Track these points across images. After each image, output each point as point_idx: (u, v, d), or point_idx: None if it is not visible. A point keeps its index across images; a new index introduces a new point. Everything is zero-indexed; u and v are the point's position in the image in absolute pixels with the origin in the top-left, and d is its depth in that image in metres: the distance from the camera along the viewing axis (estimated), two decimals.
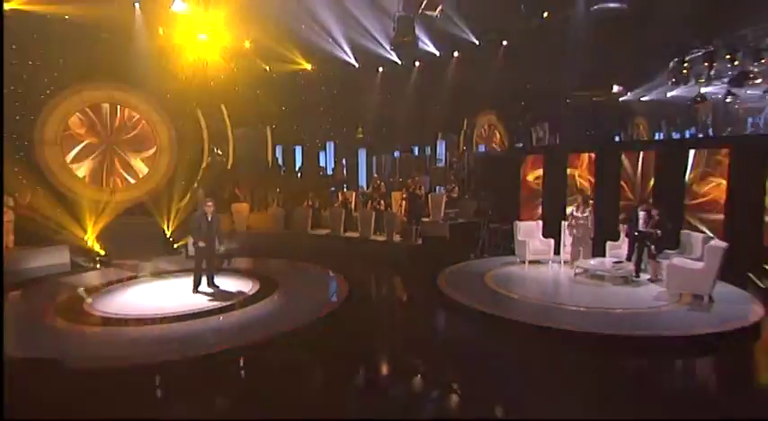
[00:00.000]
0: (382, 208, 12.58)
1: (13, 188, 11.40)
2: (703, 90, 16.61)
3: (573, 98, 19.74)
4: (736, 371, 5.37)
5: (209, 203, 7.87)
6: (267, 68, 16.47)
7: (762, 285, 7.65)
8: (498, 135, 22.77)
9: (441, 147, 14.59)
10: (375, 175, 15.20)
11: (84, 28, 12.33)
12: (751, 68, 13.92)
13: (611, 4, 12.45)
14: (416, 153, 18.98)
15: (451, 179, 13.67)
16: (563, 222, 9.68)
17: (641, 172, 11.13)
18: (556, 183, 12.09)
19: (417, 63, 16.53)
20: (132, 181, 14.12)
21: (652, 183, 10.87)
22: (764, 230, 9.30)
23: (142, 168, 14.31)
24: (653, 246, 8.02)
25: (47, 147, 12.68)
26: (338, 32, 15.03)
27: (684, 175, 10.40)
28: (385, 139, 18.68)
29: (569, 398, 4.38)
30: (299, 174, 16.44)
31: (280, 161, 17.00)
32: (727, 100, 15.34)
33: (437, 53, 15.93)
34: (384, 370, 5.40)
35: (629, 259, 8.35)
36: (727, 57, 13.56)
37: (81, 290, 7.85)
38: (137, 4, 12.55)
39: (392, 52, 15.27)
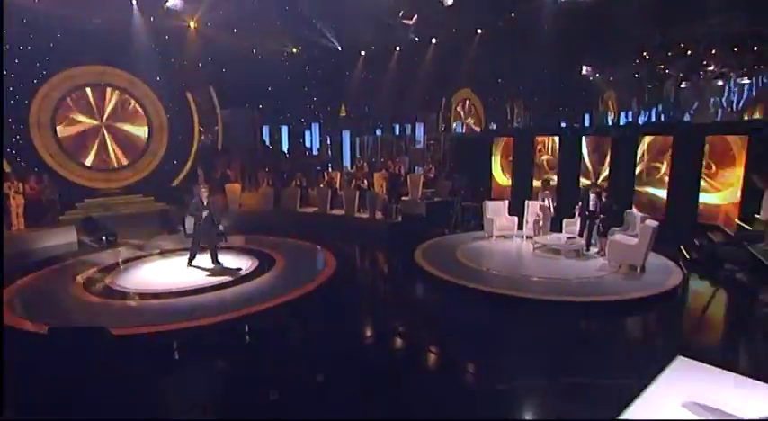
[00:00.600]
0: (365, 187, 13.61)
1: (17, 172, 12.04)
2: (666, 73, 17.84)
3: (544, 76, 20.72)
4: (653, 325, 6.72)
5: (204, 189, 8.74)
6: (254, 51, 17.05)
7: (689, 257, 8.96)
8: (474, 110, 23.77)
9: (419, 130, 15.53)
10: (358, 156, 16.12)
11: (76, 11, 12.58)
12: (704, 59, 15.13)
13: None
14: (397, 132, 19.94)
15: (428, 160, 14.70)
16: (527, 202, 10.87)
17: (598, 155, 12.37)
18: (522, 165, 13.27)
19: (398, 48, 17.27)
20: (126, 161, 14.80)
21: (607, 165, 12.13)
22: (698, 209, 10.69)
23: (135, 149, 14.94)
24: (600, 224, 9.28)
25: (41, 131, 13.16)
26: (323, 17, 15.59)
27: (635, 159, 11.66)
28: (367, 118, 19.53)
29: (531, 355, 5.44)
30: (286, 155, 17.26)
31: (267, 141, 17.78)
32: (682, 86, 16.53)
33: (416, 38, 16.68)
34: (369, 332, 6.58)
35: (580, 235, 9.62)
36: (681, 46, 14.64)
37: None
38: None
39: (375, 37, 15.97)
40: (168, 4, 10.59)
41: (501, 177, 14.10)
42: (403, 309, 7.34)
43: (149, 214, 13.62)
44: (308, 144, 18.11)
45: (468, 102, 23.69)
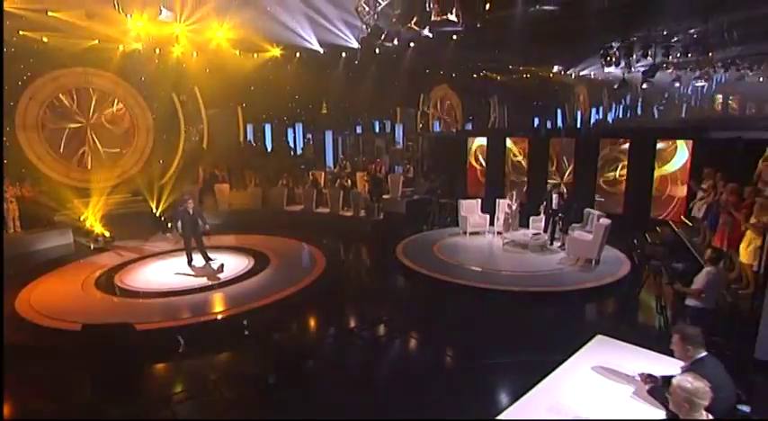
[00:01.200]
0: (349, 186, 14.44)
1: (11, 176, 12.42)
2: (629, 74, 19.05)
3: (518, 74, 21.75)
4: (604, 310, 7.80)
5: (190, 201, 9.39)
6: (237, 52, 17.56)
7: (638, 250, 10.09)
8: (451, 106, 24.68)
9: (399, 131, 16.38)
10: (341, 156, 16.90)
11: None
12: (663, 60, 16.33)
13: (546, 7, 14.25)
14: (377, 129, 20.75)
15: (407, 161, 15.61)
16: (498, 200, 11.86)
17: (565, 156, 13.43)
18: (495, 165, 14.27)
19: (377, 50, 17.95)
20: (112, 161, 15.16)
21: (572, 165, 13.21)
22: (651, 205, 11.86)
23: (120, 149, 15.35)
24: (561, 222, 10.34)
25: (28, 133, 13.46)
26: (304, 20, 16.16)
27: (597, 160, 12.75)
28: (348, 114, 20.24)
29: (496, 339, 6.44)
30: (271, 154, 17.90)
31: (251, 140, 18.36)
32: (644, 86, 17.74)
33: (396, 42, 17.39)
34: (357, 320, 7.49)
35: (545, 231, 10.67)
36: (641, 51, 15.79)
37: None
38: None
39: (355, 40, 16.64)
40: (160, 17, 11.10)
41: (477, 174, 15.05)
42: (387, 300, 8.30)
43: (138, 214, 13.98)
44: (291, 143, 18.77)
45: (444, 98, 24.61)
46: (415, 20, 9.16)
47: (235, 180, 15.56)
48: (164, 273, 9.25)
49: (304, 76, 19.02)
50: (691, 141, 11.14)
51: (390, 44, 10.83)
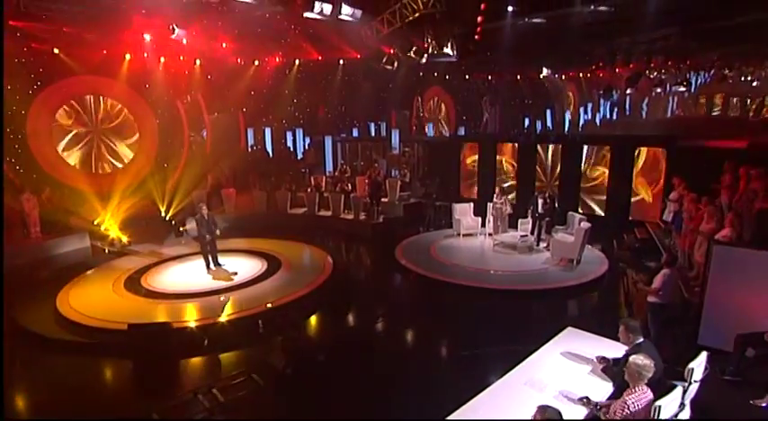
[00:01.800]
0: (349, 190, 15.31)
1: (28, 183, 12.94)
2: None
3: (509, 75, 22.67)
4: (581, 305, 8.78)
5: (204, 207, 10.23)
6: (239, 60, 18.33)
7: (617, 248, 11.10)
8: (445, 108, 25.55)
9: (395, 137, 17.26)
10: (341, 161, 17.78)
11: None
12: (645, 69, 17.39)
13: (535, 19, 15.21)
14: (372, 132, 21.65)
15: (404, 166, 16.52)
16: (488, 204, 12.79)
17: (551, 161, 14.39)
18: (486, 169, 15.20)
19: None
20: (119, 166, 15.83)
21: (558, 170, 14.16)
22: (630, 207, 12.86)
23: (127, 154, 16.05)
24: (545, 224, 11.30)
25: (39, 140, 13.97)
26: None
27: (580, 166, 13.71)
28: (345, 118, 21.10)
29: (485, 331, 7.42)
30: (274, 159, 18.74)
31: (253, 146, 19.18)
32: (628, 92, 18.77)
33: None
34: (362, 315, 8.42)
35: (532, 233, 11.63)
36: (625, 58, 16.79)
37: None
38: None
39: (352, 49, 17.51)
40: (173, 37, 11.89)
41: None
42: (387, 298, 9.29)
43: (148, 218, 14.59)
44: (292, 148, 19.61)
45: (438, 100, 25.49)
46: (414, 49, 10.00)
47: (240, 184, 16.36)
48: (185, 275, 10.08)
49: (303, 81, 19.81)
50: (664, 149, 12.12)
51: (390, 67, 11.67)
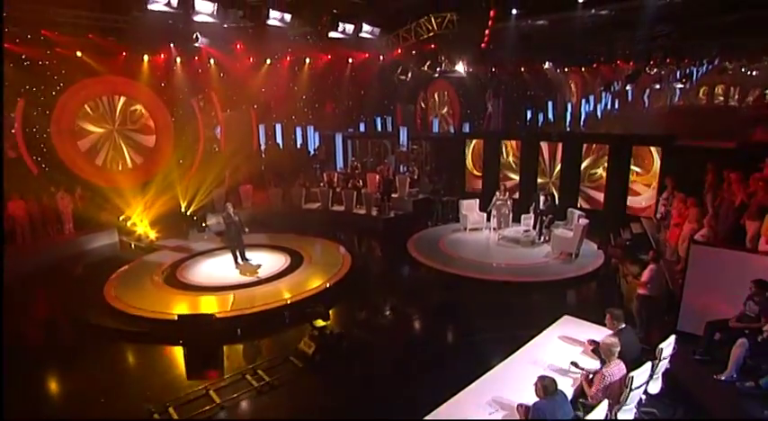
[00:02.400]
0: (360, 186, 16.12)
1: (50, 180, 13.69)
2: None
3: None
4: (578, 296, 9.68)
5: (230, 206, 11.00)
6: (251, 59, 19.03)
7: (613, 243, 11.93)
8: (449, 101, 26.07)
9: (403, 134, 18.01)
10: (353, 158, 18.57)
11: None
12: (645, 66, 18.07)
13: (538, 22, 15.90)
14: (379, 126, 22.37)
15: (412, 163, 17.32)
16: (493, 199, 13.57)
17: (553, 157, 15.10)
18: (491, 165, 15.93)
19: (381, 57, 19.53)
20: (138, 162, 16.51)
21: (559, 167, 14.89)
22: (626, 204, 13.63)
23: (146, 152, 16.70)
24: (547, 220, 12.13)
25: (63, 139, 14.65)
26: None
27: (581, 163, 14.44)
28: (352, 113, 21.83)
29: (489, 319, 8.27)
30: (288, 155, 19.53)
31: (266, 142, 19.94)
32: (627, 88, 19.44)
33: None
34: (380, 305, 9.32)
35: (534, 228, 12.46)
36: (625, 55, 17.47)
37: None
38: None
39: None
40: (196, 44, 12.61)
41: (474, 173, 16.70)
42: (400, 289, 10.26)
43: (169, 213, 15.09)
44: (303, 144, 20.39)
45: (442, 93, 26.04)
46: (428, 64, 10.72)
47: (256, 181, 17.18)
48: (216, 269, 10.94)
49: (312, 77, 20.46)
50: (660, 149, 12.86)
51: (404, 78, 12.42)
